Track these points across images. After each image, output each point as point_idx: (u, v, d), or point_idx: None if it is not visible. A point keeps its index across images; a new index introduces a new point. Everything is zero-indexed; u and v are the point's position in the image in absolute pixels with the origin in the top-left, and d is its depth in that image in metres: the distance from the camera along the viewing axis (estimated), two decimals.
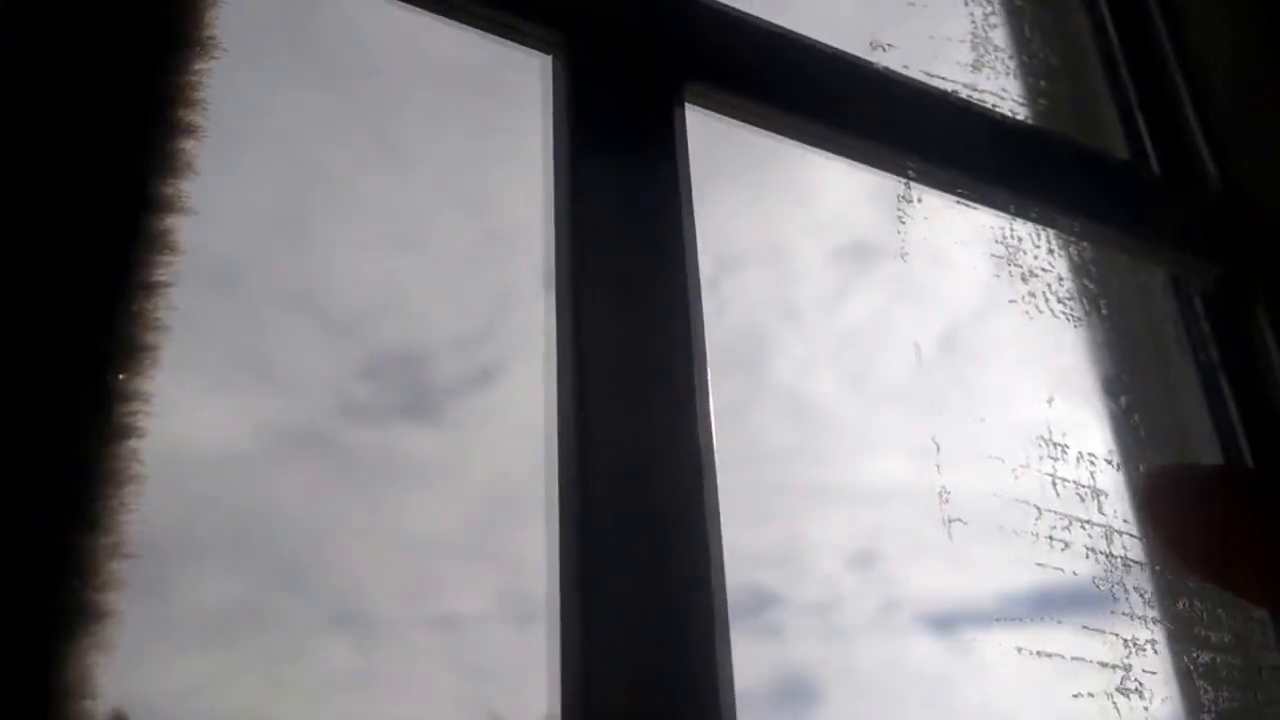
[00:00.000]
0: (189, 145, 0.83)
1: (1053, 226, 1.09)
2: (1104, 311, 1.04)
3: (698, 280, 0.88)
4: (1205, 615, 0.96)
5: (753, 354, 1.00)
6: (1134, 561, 0.92)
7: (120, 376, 0.75)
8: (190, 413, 0.80)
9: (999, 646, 0.85)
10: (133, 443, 0.74)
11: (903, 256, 0.95)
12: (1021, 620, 0.87)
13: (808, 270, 1.03)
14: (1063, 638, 0.86)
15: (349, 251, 0.91)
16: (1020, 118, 1.15)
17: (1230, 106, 1.26)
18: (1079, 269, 1.06)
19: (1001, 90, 1.10)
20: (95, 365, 0.73)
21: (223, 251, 0.86)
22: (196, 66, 0.86)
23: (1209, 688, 0.92)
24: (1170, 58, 1.31)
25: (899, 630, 0.91)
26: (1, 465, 0.67)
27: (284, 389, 0.86)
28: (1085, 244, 1.07)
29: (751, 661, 0.89)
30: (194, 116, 0.85)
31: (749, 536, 0.93)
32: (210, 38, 0.87)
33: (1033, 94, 1.21)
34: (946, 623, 0.91)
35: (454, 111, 0.98)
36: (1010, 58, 1.12)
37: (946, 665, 0.89)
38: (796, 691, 0.89)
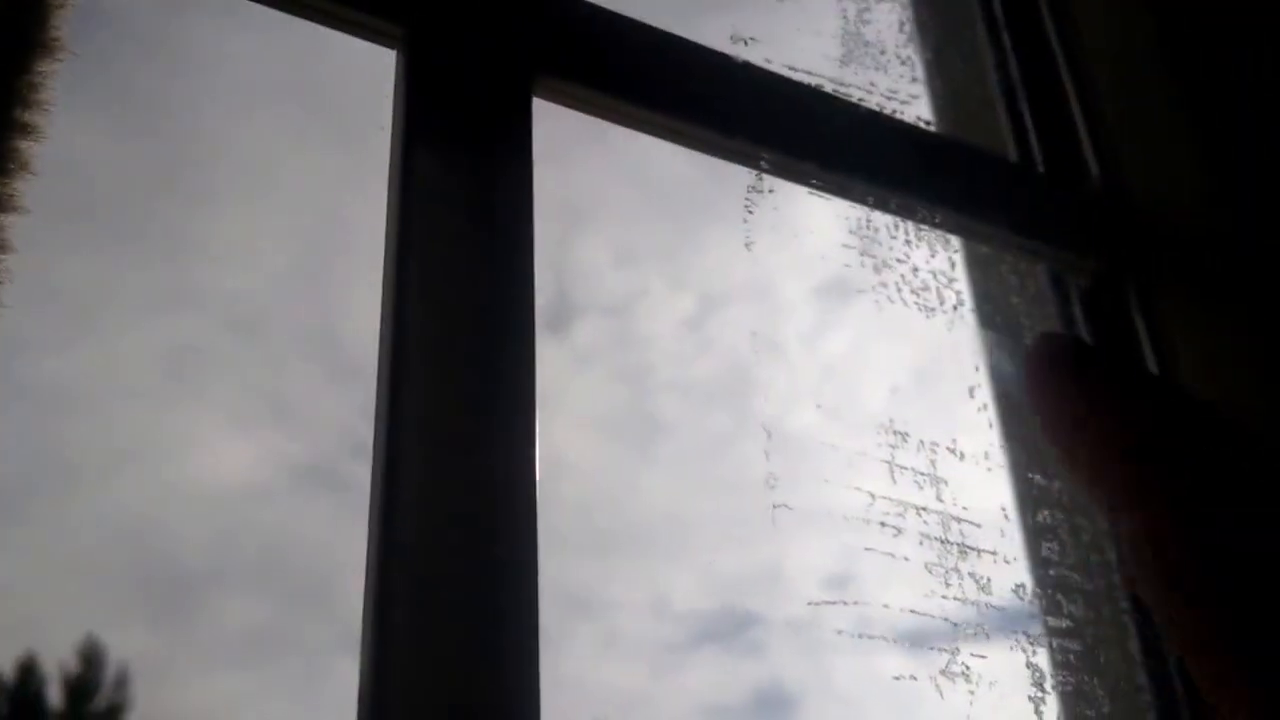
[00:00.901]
0: (26, 145, 0.85)
1: (925, 223, 1.10)
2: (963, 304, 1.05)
3: (533, 281, 0.89)
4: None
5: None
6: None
7: None
8: (216, 449, 0.84)
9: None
10: None
11: (747, 246, 0.96)
12: None
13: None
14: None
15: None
16: (894, 114, 1.15)
17: (1114, 103, 1.27)
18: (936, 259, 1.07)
19: (869, 85, 1.11)
20: None
21: (238, 291, 0.89)
22: (40, 68, 0.88)
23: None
24: (1058, 54, 1.32)
25: (872, 646, 0.92)
26: None
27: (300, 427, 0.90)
28: (947, 235, 1.08)
29: (735, 677, 0.91)
30: (34, 117, 0.87)
31: (729, 558, 0.96)
32: (56, 39, 0.89)
33: (936, 96, 1.22)
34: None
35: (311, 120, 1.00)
36: (883, 53, 1.13)
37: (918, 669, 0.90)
38: (776, 703, 0.93)
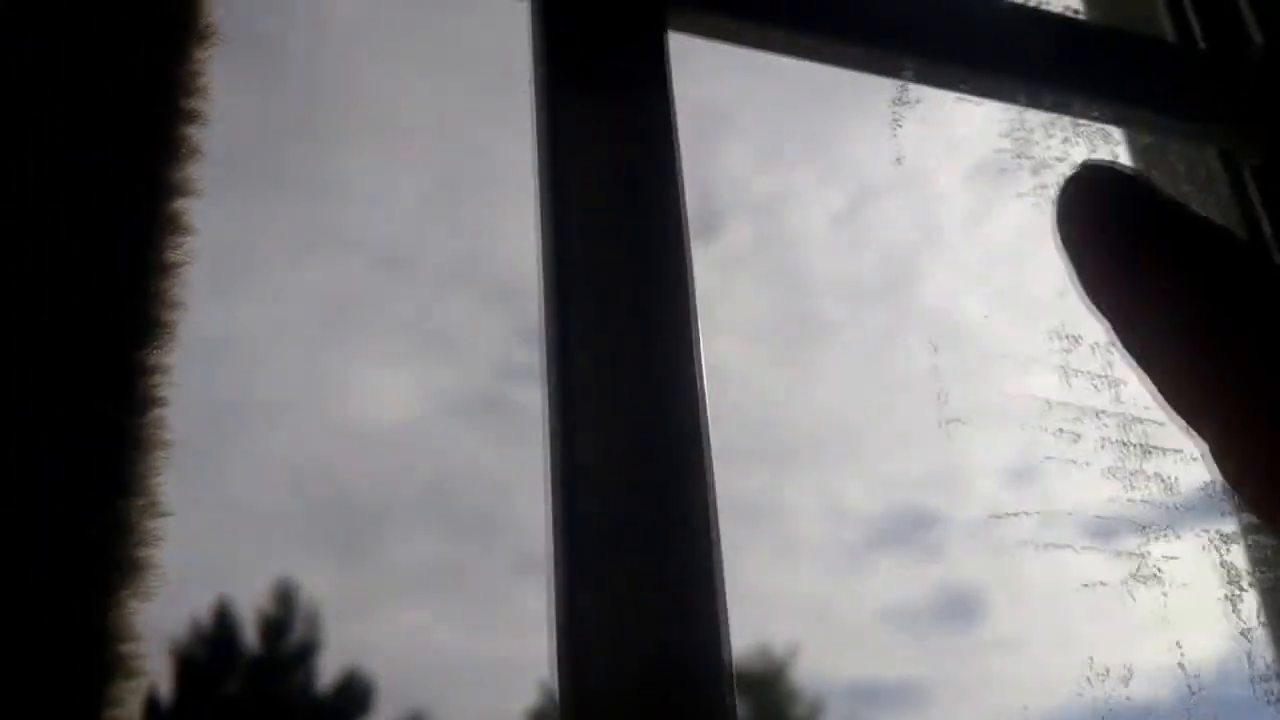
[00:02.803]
0: (193, 132, 0.89)
1: (1083, 117, 1.07)
2: None
3: (685, 220, 0.89)
4: None
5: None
6: None
7: (144, 351, 0.82)
8: (375, 386, 0.87)
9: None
10: (157, 412, 0.80)
11: (898, 161, 0.95)
12: None
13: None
14: None
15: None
16: (1039, 5, 1.12)
17: None
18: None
19: None
20: (119, 342, 0.80)
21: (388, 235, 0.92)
22: (198, 54, 0.91)
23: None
24: None
25: (1059, 542, 0.91)
26: (37, 438, 0.75)
27: (453, 358, 0.91)
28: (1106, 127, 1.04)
29: (916, 580, 0.91)
30: (197, 103, 0.90)
31: (902, 462, 0.95)
32: (209, 25, 0.92)
33: None
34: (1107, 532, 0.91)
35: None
36: None
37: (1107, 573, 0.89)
38: (960, 605, 0.90)
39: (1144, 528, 0.87)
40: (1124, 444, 0.91)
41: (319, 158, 0.96)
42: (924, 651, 0.92)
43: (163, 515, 0.79)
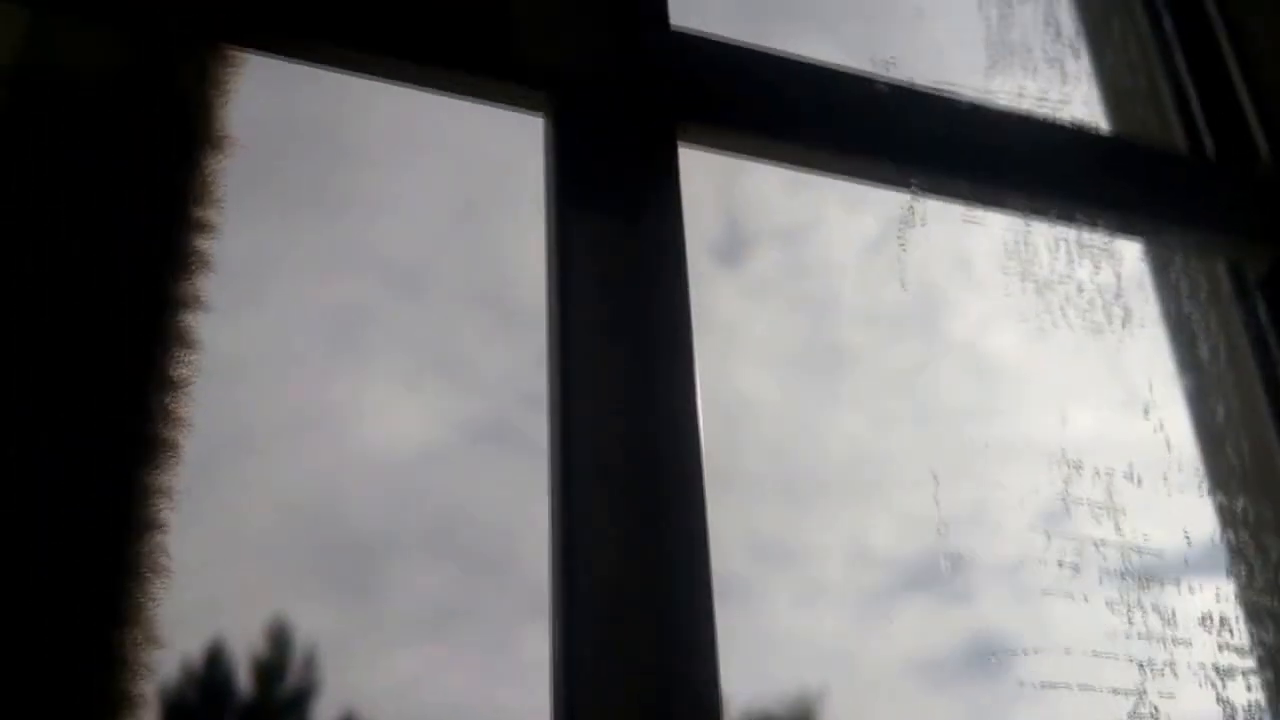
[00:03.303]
0: (206, 243, 0.89)
1: (1089, 227, 1.07)
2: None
3: (690, 325, 0.89)
4: None
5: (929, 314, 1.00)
6: None
7: (145, 472, 0.82)
8: (387, 413, 0.87)
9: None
10: (159, 536, 0.80)
11: (902, 284, 0.95)
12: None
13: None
14: None
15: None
16: (1050, 117, 1.12)
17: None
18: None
19: (1019, 90, 1.07)
20: (120, 462, 0.80)
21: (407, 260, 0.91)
22: (212, 164, 0.92)
23: None
24: (1220, 34, 1.25)
25: (1090, 588, 0.91)
26: (34, 561, 0.75)
27: (470, 384, 0.91)
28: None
29: (944, 627, 0.90)
30: (211, 214, 0.91)
31: (931, 500, 0.94)
32: (225, 135, 0.92)
33: (1095, 89, 1.18)
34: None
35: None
36: (1030, 53, 1.09)
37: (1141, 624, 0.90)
38: (991, 652, 0.88)
39: (1141, 665, 0.87)
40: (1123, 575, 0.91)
41: (334, 167, 0.95)
42: None
43: (158, 647, 0.79)
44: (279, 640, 0.84)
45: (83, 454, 0.78)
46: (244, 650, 0.81)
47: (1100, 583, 0.89)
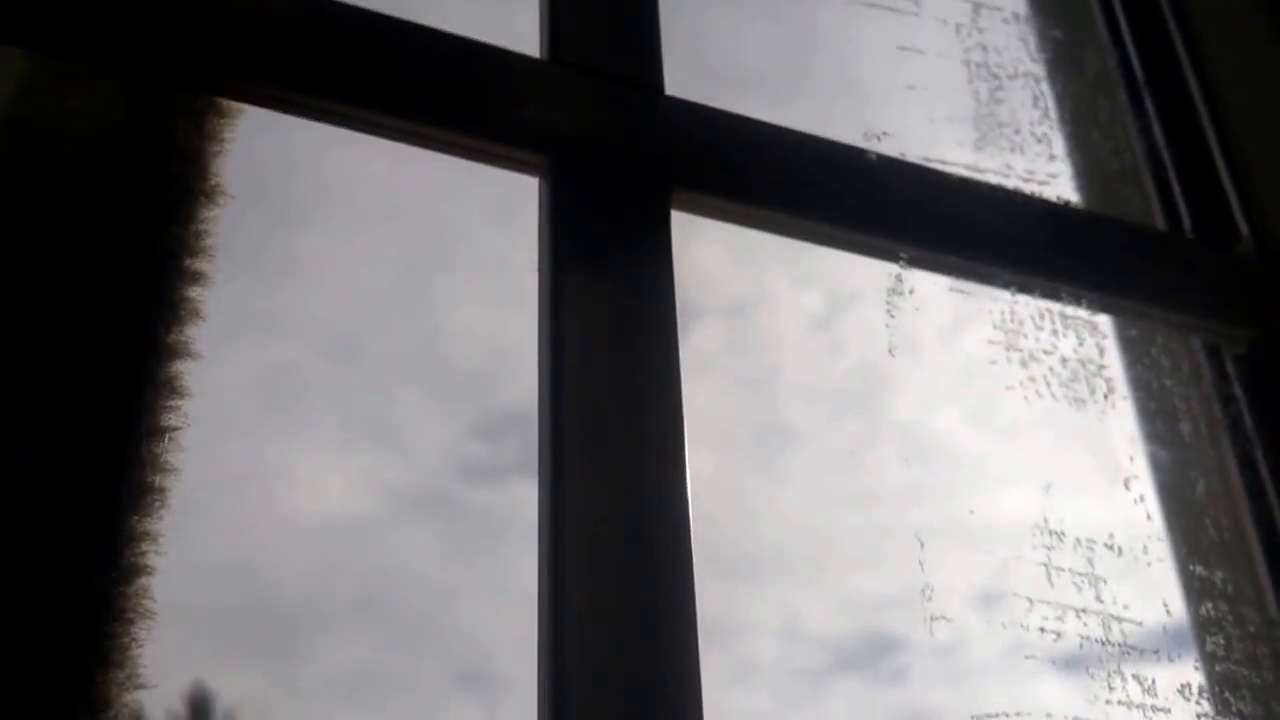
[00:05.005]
0: (196, 293, 0.90)
1: (1072, 302, 1.09)
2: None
3: (680, 389, 0.90)
4: None
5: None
6: None
7: (132, 518, 0.82)
8: (316, 478, 0.87)
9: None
10: (143, 580, 0.80)
11: (891, 352, 0.97)
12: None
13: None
14: None
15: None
16: (1036, 194, 1.14)
17: (1260, 161, 1.24)
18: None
19: (1006, 167, 1.10)
20: (107, 508, 0.80)
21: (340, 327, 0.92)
22: (204, 215, 0.93)
23: None
24: (1203, 114, 1.28)
25: (1028, 673, 0.92)
26: (20, 604, 0.74)
27: (402, 452, 0.92)
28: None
29: (878, 709, 0.90)
30: (201, 264, 0.91)
31: (869, 580, 0.95)
32: (216, 186, 0.93)
33: (1076, 170, 1.21)
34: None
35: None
36: (1018, 133, 1.12)
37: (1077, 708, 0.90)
38: None
39: None
40: (1104, 643, 0.92)
41: (267, 228, 0.96)
42: None
43: (142, 688, 0.79)
44: (199, 707, 0.83)
45: (74, 500, 0.78)
46: (162, 716, 0.81)
47: (1080, 648, 0.90)
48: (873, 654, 0.94)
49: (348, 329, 0.94)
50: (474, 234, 1.01)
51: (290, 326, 0.92)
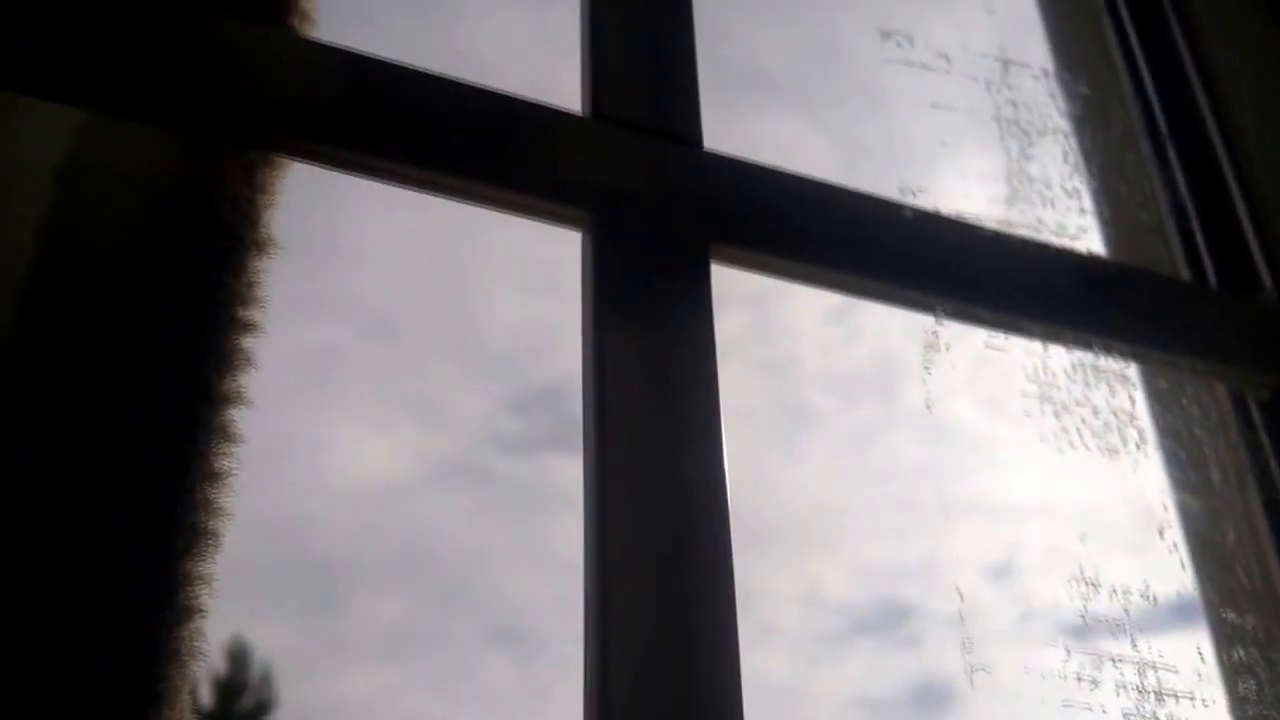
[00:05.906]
0: (249, 342, 0.92)
1: (1102, 352, 1.10)
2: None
3: (721, 434, 0.92)
4: None
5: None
6: None
7: (186, 562, 0.83)
8: (358, 450, 0.90)
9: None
10: (196, 623, 0.81)
11: (928, 406, 0.98)
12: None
13: None
14: None
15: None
16: (1065, 246, 1.16)
17: None
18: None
19: (1038, 221, 1.12)
20: (163, 551, 0.81)
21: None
22: (256, 266, 0.95)
23: None
24: (1225, 166, 1.31)
25: (1036, 639, 0.95)
26: (76, 645, 0.76)
27: (440, 424, 0.96)
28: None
29: (893, 670, 0.94)
30: (254, 314, 0.93)
31: (887, 552, 0.99)
32: (268, 238, 0.95)
33: (1104, 223, 1.23)
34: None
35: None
36: (1048, 188, 1.14)
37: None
38: (935, 697, 0.95)
39: None
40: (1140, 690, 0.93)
41: (310, 211, 0.99)
42: None
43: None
44: (238, 659, 0.85)
45: (130, 543, 0.80)
46: (202, 667, 0.83)
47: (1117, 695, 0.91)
48: (889, 620, 0.99)
49: (388, 310, 0.98)
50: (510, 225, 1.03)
51: (337, 309, 0.96)
